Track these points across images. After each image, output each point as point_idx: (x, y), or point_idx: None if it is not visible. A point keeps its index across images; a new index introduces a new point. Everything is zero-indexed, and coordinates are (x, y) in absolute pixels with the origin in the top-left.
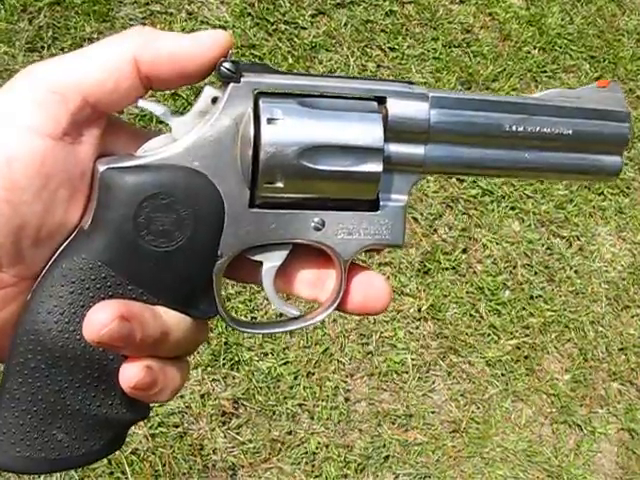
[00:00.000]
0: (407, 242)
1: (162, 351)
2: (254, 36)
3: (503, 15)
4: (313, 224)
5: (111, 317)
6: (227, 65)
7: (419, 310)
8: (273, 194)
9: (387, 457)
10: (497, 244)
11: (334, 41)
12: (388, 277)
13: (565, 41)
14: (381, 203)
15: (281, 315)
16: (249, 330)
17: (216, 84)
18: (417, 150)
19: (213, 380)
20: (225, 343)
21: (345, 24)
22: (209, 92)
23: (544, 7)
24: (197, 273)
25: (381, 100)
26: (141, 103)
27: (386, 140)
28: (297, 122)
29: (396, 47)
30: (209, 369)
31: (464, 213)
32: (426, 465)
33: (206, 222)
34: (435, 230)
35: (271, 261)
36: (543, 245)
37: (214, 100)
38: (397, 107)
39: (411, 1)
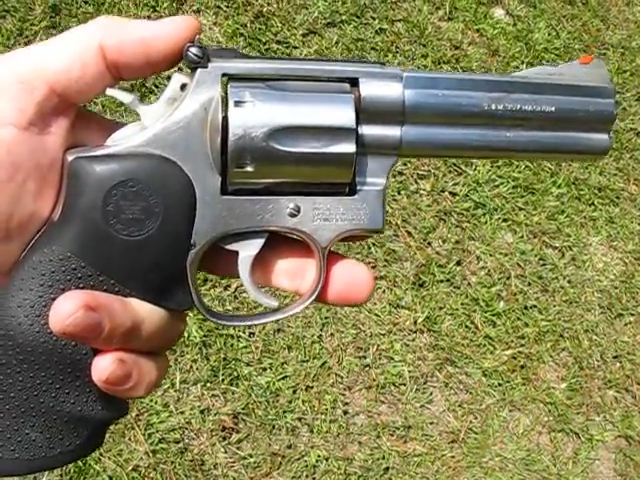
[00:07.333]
0: (402, 255)
1: (135, 344)
2: None
3: (491, 31)
4: (288, 210)
5: (76, 306)
6: (194, 50)
7: (415, 322)
8: (245, 179)
9: (387, 469)
10: (490, 256)
11: None
12: (384, 290)
13: (552, 55)
14: (358, 187)
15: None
16: (227, 322)
17: (186, 72)
18: (393, 132)
19: (213, 396)
20: (224, 359)
21: (336, 43)
22: (178, 79)
23: (530, 23)
24: (170, 263)
25: (354, 82)
26: (109, 91)
27: (360, 122)
28: (265, 104)
29: (387, 64)
30: (208, 385)
31: (457, 226)
32: (425, 476)
33: (177, 210)
34: (429, 243)
35: (247, 250)
36: (536, 256)
37: (183, 87)
38: (370, 88)
39: (400, 19)
